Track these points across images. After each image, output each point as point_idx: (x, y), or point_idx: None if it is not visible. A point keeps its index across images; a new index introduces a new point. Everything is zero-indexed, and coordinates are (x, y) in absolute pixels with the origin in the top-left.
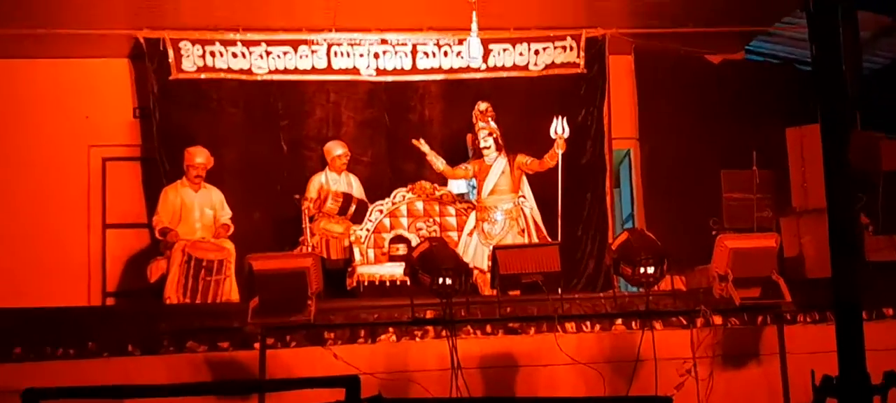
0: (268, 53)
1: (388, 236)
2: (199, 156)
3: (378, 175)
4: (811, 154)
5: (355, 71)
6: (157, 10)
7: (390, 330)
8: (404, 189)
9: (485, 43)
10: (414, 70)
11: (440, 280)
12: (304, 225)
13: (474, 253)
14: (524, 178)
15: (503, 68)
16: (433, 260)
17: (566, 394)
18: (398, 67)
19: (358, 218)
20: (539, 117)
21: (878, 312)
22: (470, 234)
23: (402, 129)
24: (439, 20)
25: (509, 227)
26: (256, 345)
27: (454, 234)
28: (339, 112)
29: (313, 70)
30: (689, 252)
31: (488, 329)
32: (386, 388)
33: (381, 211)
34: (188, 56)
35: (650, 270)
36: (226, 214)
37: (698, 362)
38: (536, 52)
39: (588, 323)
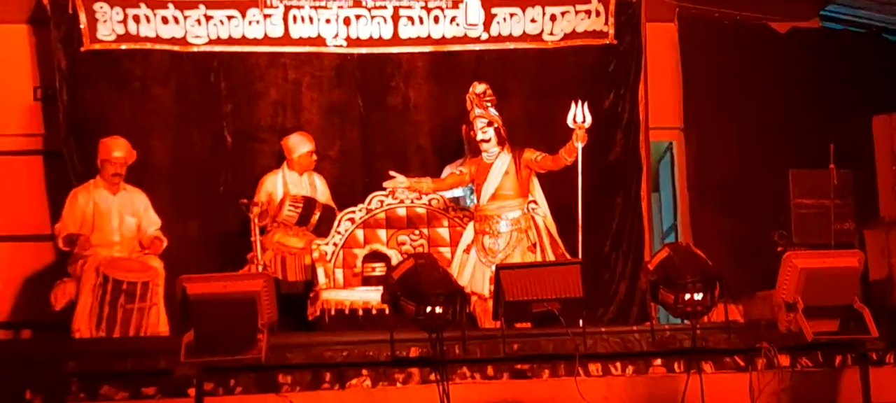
0: (208, 18)
1: (361, 252)
2: (118, 150)
3: (348, 174)
4: None
5: (320, 41)
6: None
7: (364, 372)
8: (382, 193)
9: (486, 5)
10: (395, 40)
11: (428, 308)
12: (253, 239)
13: (472, 274)
14: (535, 179)
15: (510, 37)
16: (419, 284)
17: None
18: (375, 36)
19: (322, 229)
20: (554, 101)
21: None
22: (467, 251)
23: (380, 116)
24: None
25: (516, 241)
26: (191, 392)
27: (446, 251)
28: (300, 94)
29: (266, 39)
30: (748, 274)
31: (490, 371)
32: None
33: (352, 221)
34: (105, 21)
35: (698, 296)
36: (153, 224)
37: None
38: (552, 18)
39: (618, 364)
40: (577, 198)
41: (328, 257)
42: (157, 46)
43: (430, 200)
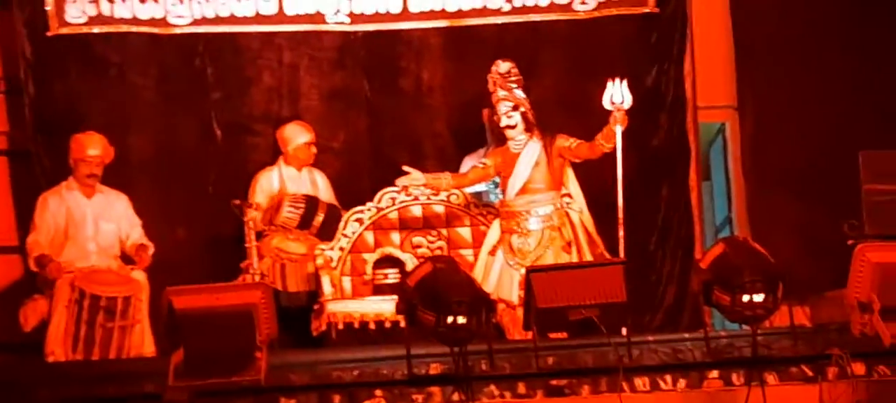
0: None
1: (371, 257)
2: (94, 147)
3: (355, 169)
4: None
5: (319, 17)
6: None
7: (377, 393)
8: (394, 189)
9: None
10: (405, 15)
11: (449, 318)
12: (248, 245)
13: (499, 279)
14: (569, 169)
15: (536, 8)
16: (439, 291)
17: None
18: (382, 11)
19: (327, 232)
20: (588, 80)
21: None
22: (492, 253)
23: (389, 101)
24: None
25: (549, 241)
26: None
27: (468, 253)
28: (297, 78)
29: (258, 18)
30: (815, 271)
31: (521, 388)
32: None
33: (360, 222)
34: (75, 1)
35: (758, 298)
36: (135, 230)
37: None
38: None
39: (668, 377)
40: (616, 190)
41: (334, 264)
42: (134, 29)
43: (448, 196)
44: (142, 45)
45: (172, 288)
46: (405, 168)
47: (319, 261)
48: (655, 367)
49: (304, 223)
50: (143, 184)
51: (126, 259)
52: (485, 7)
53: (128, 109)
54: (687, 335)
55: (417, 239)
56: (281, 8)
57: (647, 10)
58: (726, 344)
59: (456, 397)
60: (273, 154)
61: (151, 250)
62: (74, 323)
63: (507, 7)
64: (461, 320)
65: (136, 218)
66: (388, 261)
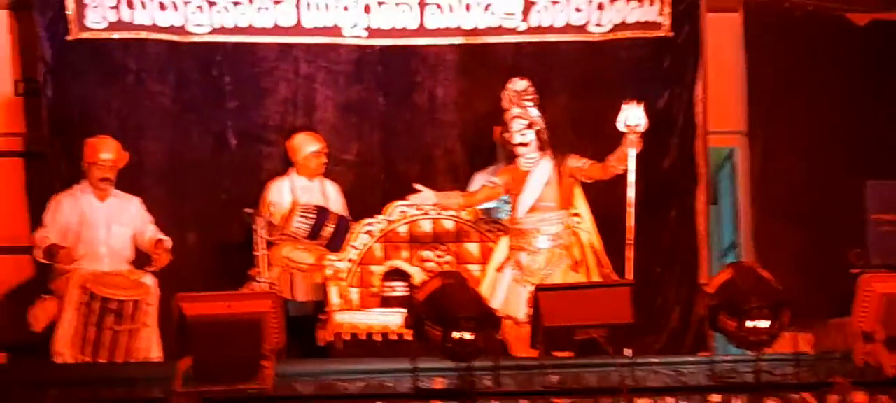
0: (210, 4)
1: (379, 270)
2: (107, 151)
3: (367, 180)
4: None
5: (336, 31)
6: None
7: None
8: (405, 203)
9: None
10: (421, 31)
11: (456, 334)
12: (258, 253)
13: (506, 296)
14: (579, 190)
15: (551, 29)
16: (448, 306)
17: None
18: (399, 26)
19: (336, 243)
20: (601, 101)
21: None
22: (500, 269)
23: (403, 115)
24: None
25: (558, 259)
26: None
27: (475, 268)
28: (313, 90)
29: (276, 29)
30: (820, 299)
31: None
32: None
33: (370, 234)
34: (96, 7)
35: (763, 324)
36: (149, 227)
37: None
38: (600, 6)
39: (671, 400)
40: (625, 211)
41: (342, 275)
42: (154, 35)
43: (458, 211)
44: (160, 53)
45: (182, 295)
46: (416, 186)
47: (328, 272)
48: (658, 389)
49: (314, 233)
50: (157, 190)
51: (139, 262)
52: (501, 26)
53: (144, 115)
54: (690, 358)
55: (426, 254)
56: (299, 20)
57: (661, 35)
58: (729, 369)
59: None
60: (286, 164)
61: (169, 243)
62: (83, 324)
63: (523, 26)
64: (468, 336)
65: (149, 216)
66: (397, 274)
